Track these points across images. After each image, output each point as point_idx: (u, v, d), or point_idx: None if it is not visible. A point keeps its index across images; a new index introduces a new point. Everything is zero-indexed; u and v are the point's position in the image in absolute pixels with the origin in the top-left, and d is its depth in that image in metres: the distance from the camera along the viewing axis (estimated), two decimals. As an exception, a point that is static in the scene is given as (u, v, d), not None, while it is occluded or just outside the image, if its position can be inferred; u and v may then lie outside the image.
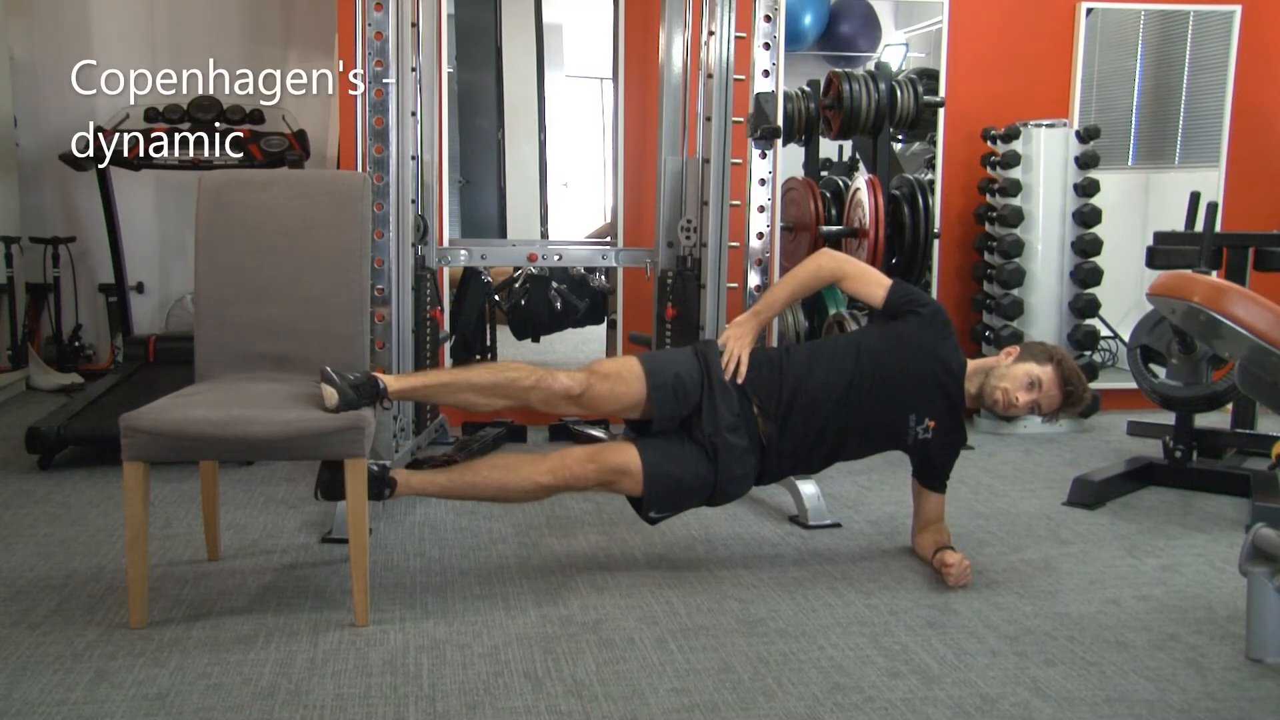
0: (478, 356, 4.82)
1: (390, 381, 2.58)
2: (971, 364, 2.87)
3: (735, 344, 2.81)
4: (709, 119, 3.67)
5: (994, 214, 4.71)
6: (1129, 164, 5.28)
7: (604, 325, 5.32)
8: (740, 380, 2.77)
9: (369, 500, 2.50)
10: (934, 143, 4.97)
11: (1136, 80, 5.22)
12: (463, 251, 4.21)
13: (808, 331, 4.72)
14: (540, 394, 2.67)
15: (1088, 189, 4.68)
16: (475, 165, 5.48)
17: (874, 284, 2.87)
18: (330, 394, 2.40)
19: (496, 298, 5.22)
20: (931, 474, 2.92)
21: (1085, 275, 4.65)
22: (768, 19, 3.54)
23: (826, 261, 2.92)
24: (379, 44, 3.29)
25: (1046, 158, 4.67)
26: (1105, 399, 4.70)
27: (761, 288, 3.66)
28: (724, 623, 2.48)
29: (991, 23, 4.95)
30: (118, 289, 5.34)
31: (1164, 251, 3.83)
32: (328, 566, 2.81)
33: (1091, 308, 4.66)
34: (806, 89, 4.68)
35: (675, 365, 2.79)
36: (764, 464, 2.81)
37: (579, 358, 5.82)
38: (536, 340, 5.64)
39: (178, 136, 5.02)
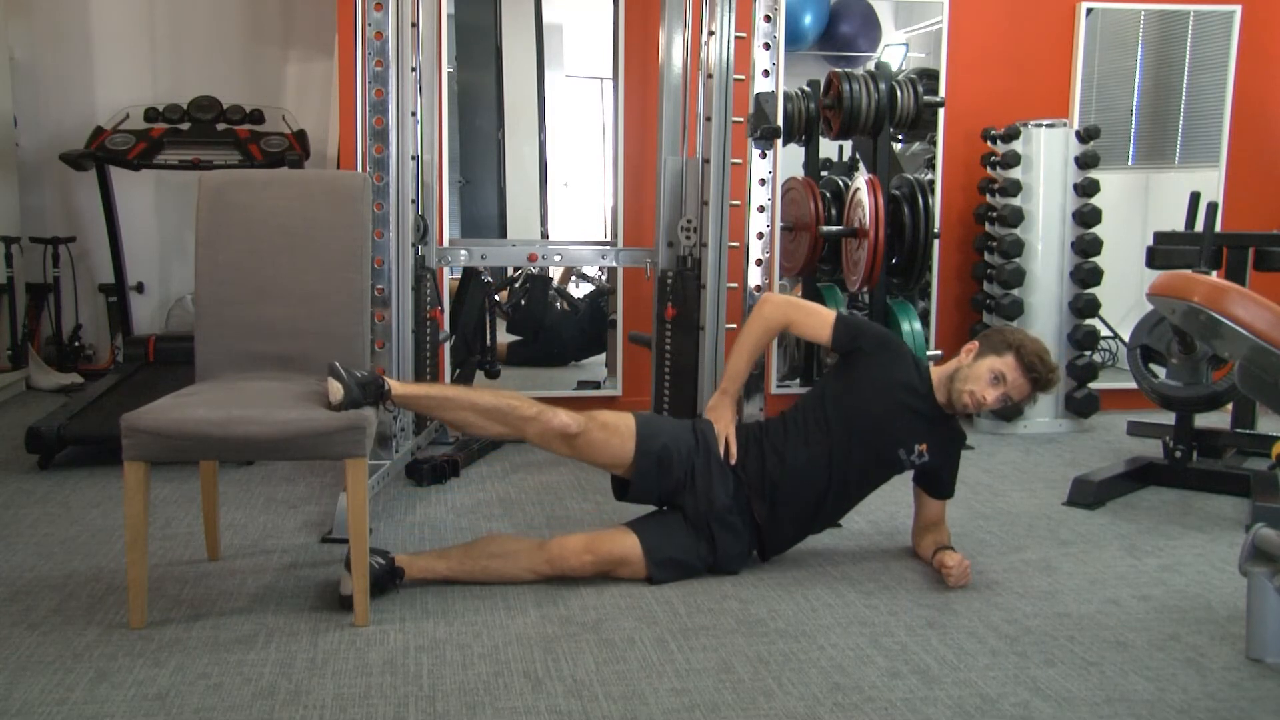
0: (477, 357, 4.82)
1: (394, 386, 2.58)
2: (935, 372, 2.83)
3: (720, 426, 2.82)
4: (709, 119, 3.67)
5: (994, 214, 4.71)
6: (1129, 164, 5.28)
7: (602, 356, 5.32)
8: (733, 462, 2.79)
9: (379, 594, 2.53)
10: (934, 143, 4.98)
11: (1136, 80, 5.22)
12: (463, 251, 4.21)
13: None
14: (537, 427, 2.66)
15: (1088, 189, 4.68)
16: (475, 165, 5.48)
17: (819, 325, 2.84)
18: (336, 389, 2.40)
19: (497, 297, 5.22)
20: (940, 487, 2.92)
21: (1085, 275, 4.65)
22: (768, 19, 3.54)
23: (770, 311, 2.89)
24: (379, 44, 3.29)
25: (1046, 158, 4.67)
26: (1105, 399, 4.70)
27: (761, 288, 3.66)
28: (724, 623, 2.48)
29: (991, 23, 4.95)
30: (118, 289, 5.34)
31: (1164, 251, 3.83)
32: (328, 566, 2.81)
33: (1091, 308, 4.66)
34: (806, 89, 4.68)
35: (666, 436, 2.78)
36: (763, 541, 2.83)
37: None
38: (535, 338, 5.64)
39: (178, 136, 5.04)
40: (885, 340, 2.86)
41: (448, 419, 2.78)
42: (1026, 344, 2.76)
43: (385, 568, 2.56)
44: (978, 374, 2.75)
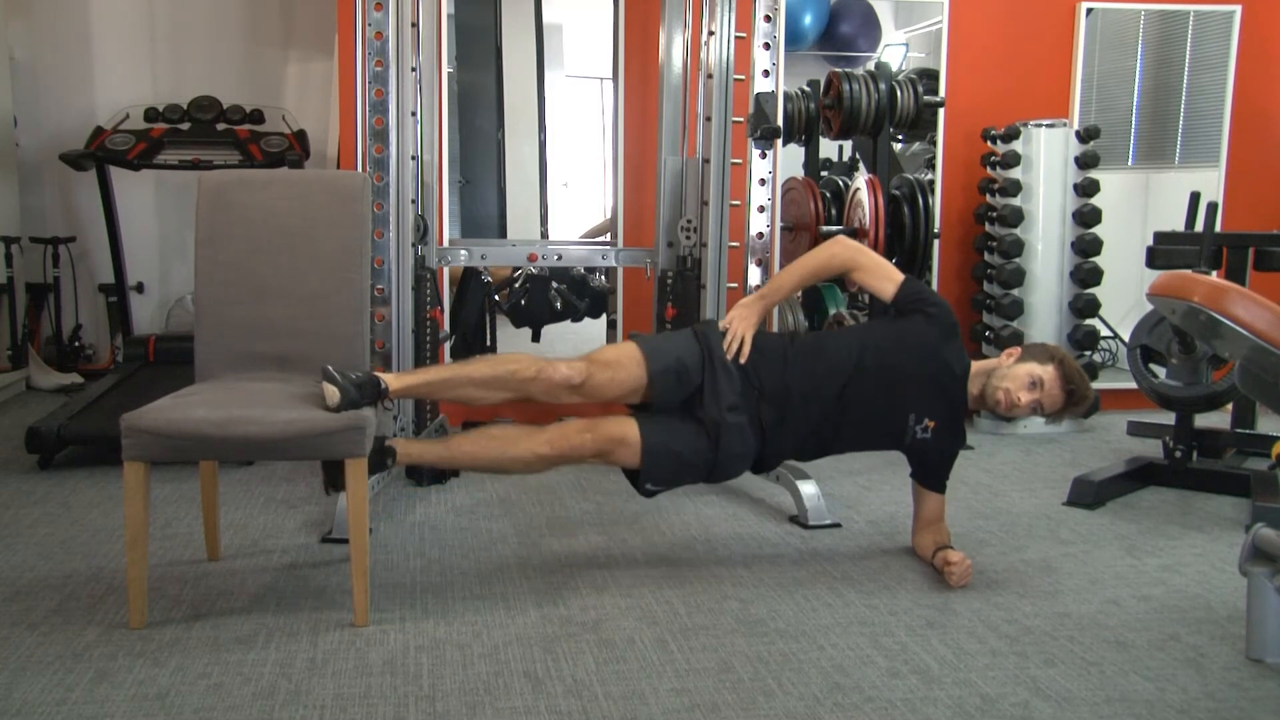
0: (478, 356, 4.82)
1: (390, 380, 2.58)
2: (974, 365, 2.87)
3: (740, 324, 2.80)
4: (709, 119, 3.67)
5: (994, 214, 4.71)
6: (1129, 164, 5.28)
7: (603, 321, 5.31)
8: (743, 361, 2.77)
9: (374, 474, 2.56)
10: (934, 143, 4.98)
11: (1136, 80, 5.22)
12: (463, 251, 4.21)
13: (807, 330, 4.72)
14: (541, 385, 2.67)
15: (1088, 189, 4.68)
16: (475, 165, 5.47)
17: (885, 278, 2.84)
18: (332, 393, 2.40)
19: (496, 298, 5.22)
20: (929, 475, 2.92)
21: (1085, 275, 4.65)
22: (768, 19, 3.53)
23: (840, 250, 2.87)
24: (379, 44, 3.29)
25: (1046, 158, 4.67)
26: (1105, 399, 4.70)
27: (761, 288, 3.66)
28: (724, 623, 2.48)
29: (991, 23, 4.95)
30: (118, 289, 5.34)
31: (1164, 251, 3.82)
32: (328, 566, 2.81)
33: (1091, 308, 4.66)
34: (806, 89, 4.68)
35: (675, 349, 2.78)
36: (762, 447, 2.81)
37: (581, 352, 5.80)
38: (536, 339, 5.64)
39: (178, 136, 5.04)
40: (949, 315, 2.85)
41: (450, 399, 2.80)
42: (1069, 360, 2.83)
43: (375, 447, 2.57)
44: (1016, 375, 2.79)
